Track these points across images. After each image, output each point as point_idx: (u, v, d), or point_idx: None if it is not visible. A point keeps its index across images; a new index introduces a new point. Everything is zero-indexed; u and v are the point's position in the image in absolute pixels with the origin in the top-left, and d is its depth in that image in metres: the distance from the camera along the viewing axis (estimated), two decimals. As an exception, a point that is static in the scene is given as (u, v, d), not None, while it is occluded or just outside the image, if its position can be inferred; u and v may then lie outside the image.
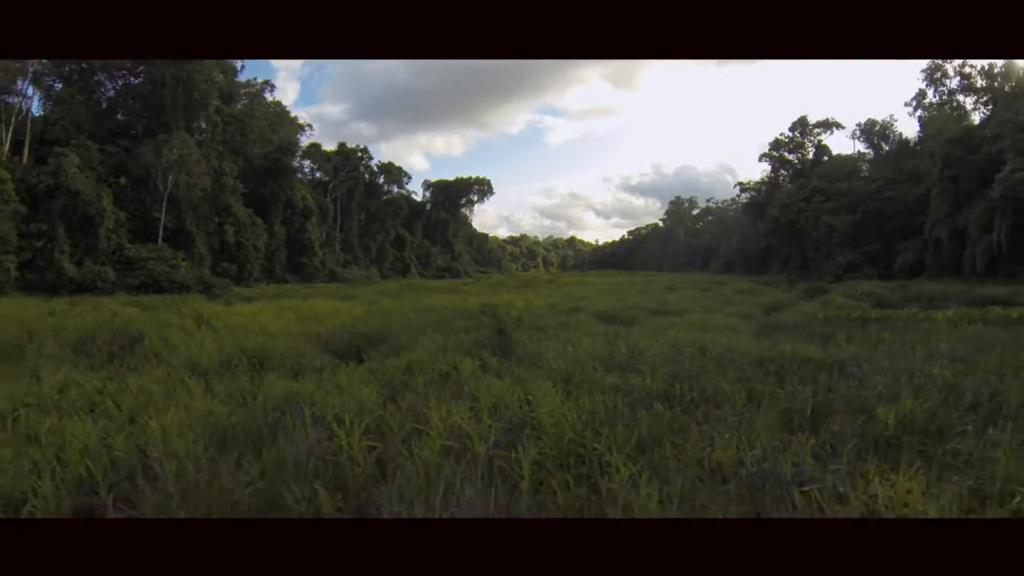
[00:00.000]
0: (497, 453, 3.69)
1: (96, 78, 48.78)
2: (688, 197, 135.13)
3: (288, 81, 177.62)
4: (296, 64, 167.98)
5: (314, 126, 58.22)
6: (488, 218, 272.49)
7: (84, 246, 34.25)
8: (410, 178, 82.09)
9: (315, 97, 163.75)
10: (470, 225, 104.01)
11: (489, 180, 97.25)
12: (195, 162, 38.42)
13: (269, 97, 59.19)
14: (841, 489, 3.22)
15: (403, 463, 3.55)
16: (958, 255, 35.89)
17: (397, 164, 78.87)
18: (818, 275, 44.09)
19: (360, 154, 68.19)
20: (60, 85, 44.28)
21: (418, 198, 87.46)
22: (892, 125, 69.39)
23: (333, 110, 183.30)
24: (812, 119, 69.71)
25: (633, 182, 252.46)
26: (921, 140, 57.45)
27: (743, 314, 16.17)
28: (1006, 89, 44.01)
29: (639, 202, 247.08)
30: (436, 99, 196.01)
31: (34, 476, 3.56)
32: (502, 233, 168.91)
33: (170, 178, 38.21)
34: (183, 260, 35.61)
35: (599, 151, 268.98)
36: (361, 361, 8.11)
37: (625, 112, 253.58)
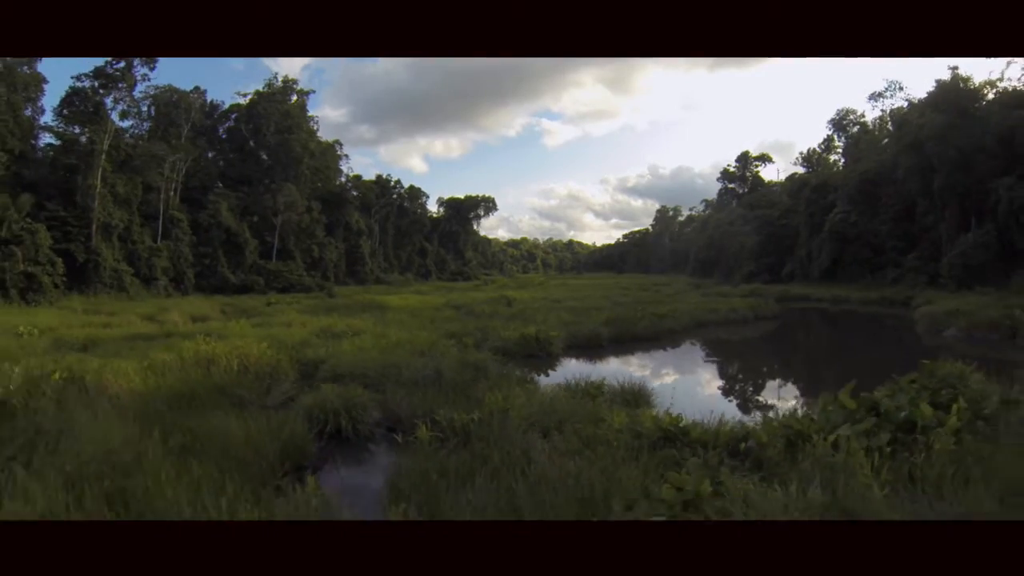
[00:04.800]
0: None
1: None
2: (673, 206, 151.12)
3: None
4: (296, 68, 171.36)
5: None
6: (488, 220, 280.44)
7: (235, 262, 52.39)
8: (427, 197, 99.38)
9: (315, 101, 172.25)
10: (477, 234, 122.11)
11: (493, 198, 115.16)
12: (297, 204, 56.57)
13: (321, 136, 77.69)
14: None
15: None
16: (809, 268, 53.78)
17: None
18: (732, 280, 62.11)
19: (393, 184, 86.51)
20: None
21: (433, 212, 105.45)
22: (836, 149, 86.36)
23: (333, 114, 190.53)
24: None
25: (630, 184, 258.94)
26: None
27: (623, 300, 33.90)
28: (861, 145, 61.79)
29: (637, 203, 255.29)
30: (435, 103, 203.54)
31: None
32: (502, 234, 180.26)
33: (280, 216, 56.38)
34: (310, 271, 53.86)
35: (596, 153, 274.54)
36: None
37: (621, 115, 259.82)
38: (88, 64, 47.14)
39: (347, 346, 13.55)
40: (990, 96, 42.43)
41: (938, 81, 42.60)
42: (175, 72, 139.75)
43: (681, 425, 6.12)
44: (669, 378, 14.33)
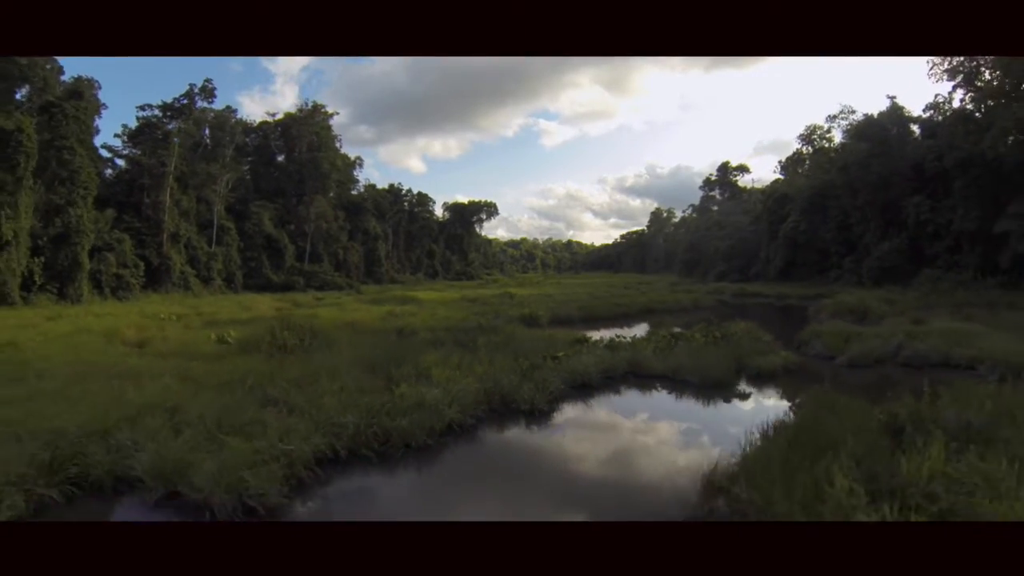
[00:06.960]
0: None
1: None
2: (668, 207, 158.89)
3: (286, 84, 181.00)
4: (294, 69, 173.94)
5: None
6: (488, 221, 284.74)
7: (275, 264, 61.19)
8: (434, 202, 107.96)
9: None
10: (479, 236, 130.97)
11: (495, 203, 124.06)
12: (327, 214, 65.43)
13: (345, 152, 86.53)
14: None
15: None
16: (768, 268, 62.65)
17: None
18: (706, 279, 70.97)
19: (404, 192, 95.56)
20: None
21: (438, 215, 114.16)
22: (805, 162, 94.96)
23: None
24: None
25: (628, 183, 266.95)
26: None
27: (601, 295, 42.52)
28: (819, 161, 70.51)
29: (636, 203, 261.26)
30: (433, 103, 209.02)
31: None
32: (501, 234, 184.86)
33: (311, 224, 65.23)
34: (336, 272, 62.73)
35: (594, 153, 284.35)
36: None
37: (618, 115, 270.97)
38: (149, 94, 55.77)
39: (412, 320, 22.31)
40: (930, 118, 48.69)
41: (866, 115, 51.43)
42: (175, 72, 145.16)
43: (586, 337, 14.98)
44: (602, 332, 23.17)
